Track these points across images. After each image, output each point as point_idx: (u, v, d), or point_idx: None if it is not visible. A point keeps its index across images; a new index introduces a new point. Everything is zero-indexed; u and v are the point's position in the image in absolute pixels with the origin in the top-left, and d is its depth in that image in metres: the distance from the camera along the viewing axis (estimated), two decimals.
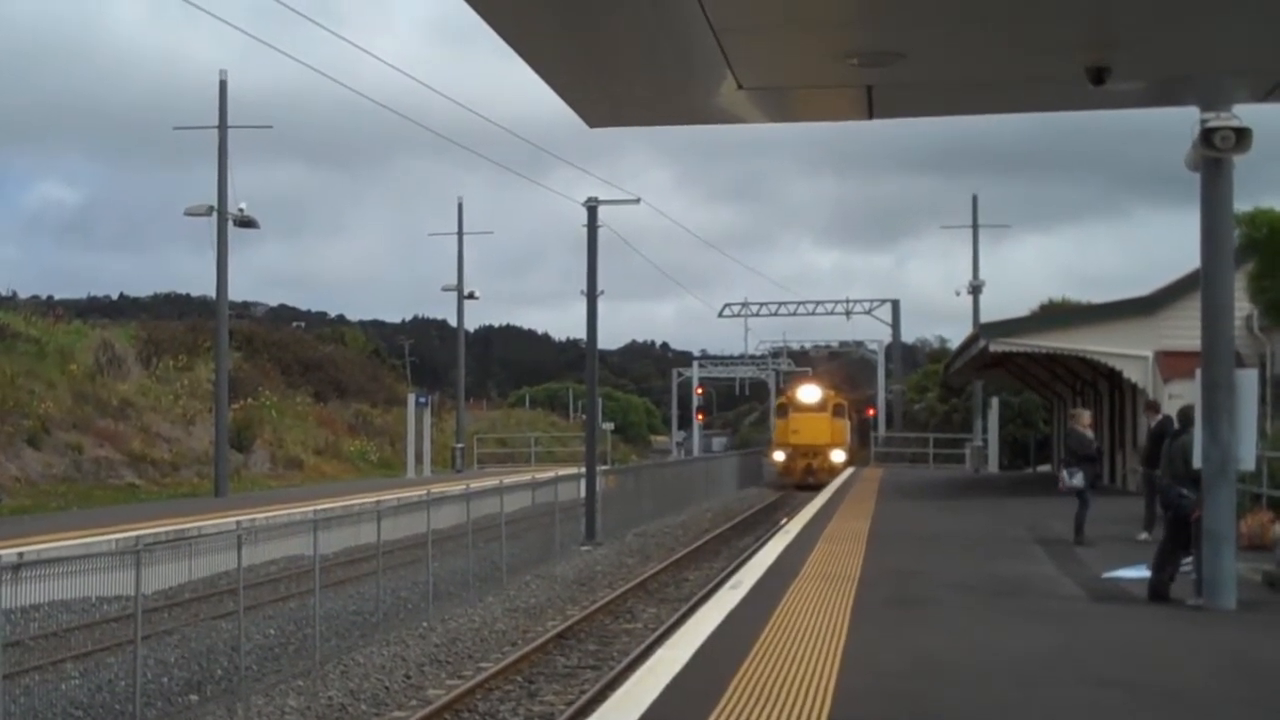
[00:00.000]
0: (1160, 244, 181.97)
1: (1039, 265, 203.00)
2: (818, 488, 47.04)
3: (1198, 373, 14.05)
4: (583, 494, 35.02)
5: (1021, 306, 66.84)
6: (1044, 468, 55.71)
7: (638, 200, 38.17)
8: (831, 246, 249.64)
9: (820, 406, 64.13)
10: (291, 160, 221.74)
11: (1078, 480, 20.63)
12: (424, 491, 25.06)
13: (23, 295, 75.92)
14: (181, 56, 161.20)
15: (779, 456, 64.24)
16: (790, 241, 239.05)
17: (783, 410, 66.03)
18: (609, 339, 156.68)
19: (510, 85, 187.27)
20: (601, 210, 35.69)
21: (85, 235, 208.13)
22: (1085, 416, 22.30)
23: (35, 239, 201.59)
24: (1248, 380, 14.08)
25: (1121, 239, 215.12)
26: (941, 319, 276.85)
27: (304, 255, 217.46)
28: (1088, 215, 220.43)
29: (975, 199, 61.04)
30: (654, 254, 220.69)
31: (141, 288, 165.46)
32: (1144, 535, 20.35)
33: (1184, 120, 13.47)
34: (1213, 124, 13.14)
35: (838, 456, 61.96)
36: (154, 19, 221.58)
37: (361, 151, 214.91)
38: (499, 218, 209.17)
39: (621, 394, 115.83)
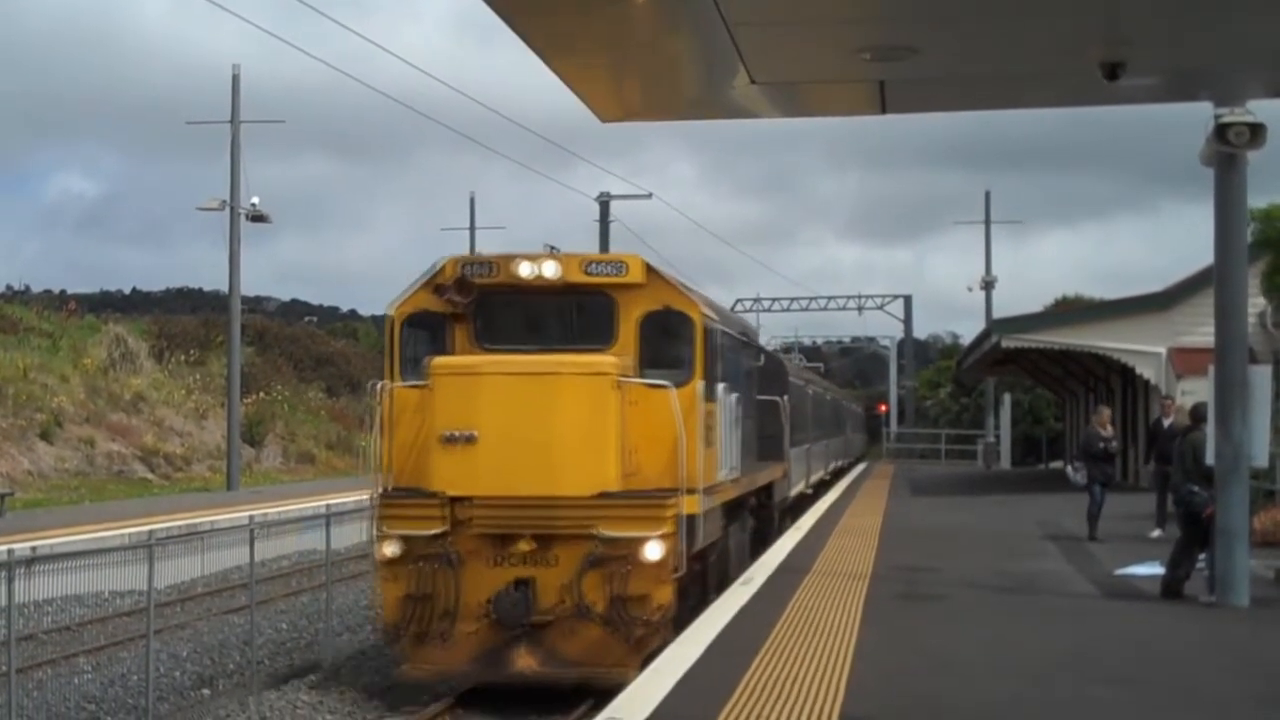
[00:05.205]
0: (1190, 239, 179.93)
1: (1062, 260, 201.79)
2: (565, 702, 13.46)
3: (1211, 369, 14.02)
4: None
5: (1042, 303, 66.58)
6: (1056, 464, 55.65)
7: (649, 195, 38.25)
8: (854, 241, 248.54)
9: (583, 330, 14.18)
10: (309, 155, 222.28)
11: (1080, 477, 21.03)
12: None
13: (36, 289, 76.06)
14: (203, 50, 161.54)
15: (390, 550, 13.84)
16: (813, 236, 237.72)
17: (408, 346, 14.86)
18: None
19: (537, 78, 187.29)
20: (616, 205, 35.73)
21: (102, 228, 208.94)
22: (1104, 414, 22.55)
23: (53, 232, 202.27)
24: (1261, 376, 14.03)
25: (1149, 234, 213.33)
26: (959, 314, 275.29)
27: (317, 250, 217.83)
28: (1114, 210, 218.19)
29: (988, 195, 61.18)
30: (672, 249, 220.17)
31: (155, 282, 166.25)
32: (1156, 532, 20.33)
33: (1210, 114, 13.43)
34: (1227, 119, 13.10)
35: (653, 552, 12.87)
36: (175, 12, 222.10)
37: (379, 146, 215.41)
38: (516, 212, 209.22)
39: None
